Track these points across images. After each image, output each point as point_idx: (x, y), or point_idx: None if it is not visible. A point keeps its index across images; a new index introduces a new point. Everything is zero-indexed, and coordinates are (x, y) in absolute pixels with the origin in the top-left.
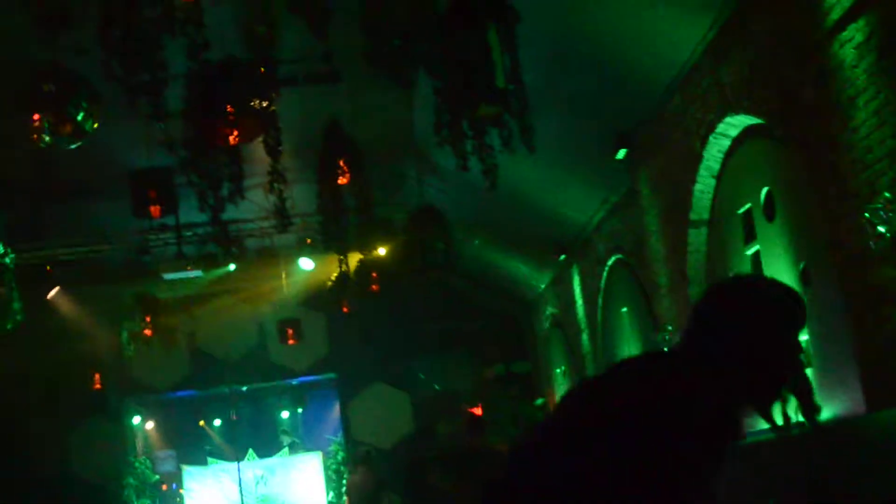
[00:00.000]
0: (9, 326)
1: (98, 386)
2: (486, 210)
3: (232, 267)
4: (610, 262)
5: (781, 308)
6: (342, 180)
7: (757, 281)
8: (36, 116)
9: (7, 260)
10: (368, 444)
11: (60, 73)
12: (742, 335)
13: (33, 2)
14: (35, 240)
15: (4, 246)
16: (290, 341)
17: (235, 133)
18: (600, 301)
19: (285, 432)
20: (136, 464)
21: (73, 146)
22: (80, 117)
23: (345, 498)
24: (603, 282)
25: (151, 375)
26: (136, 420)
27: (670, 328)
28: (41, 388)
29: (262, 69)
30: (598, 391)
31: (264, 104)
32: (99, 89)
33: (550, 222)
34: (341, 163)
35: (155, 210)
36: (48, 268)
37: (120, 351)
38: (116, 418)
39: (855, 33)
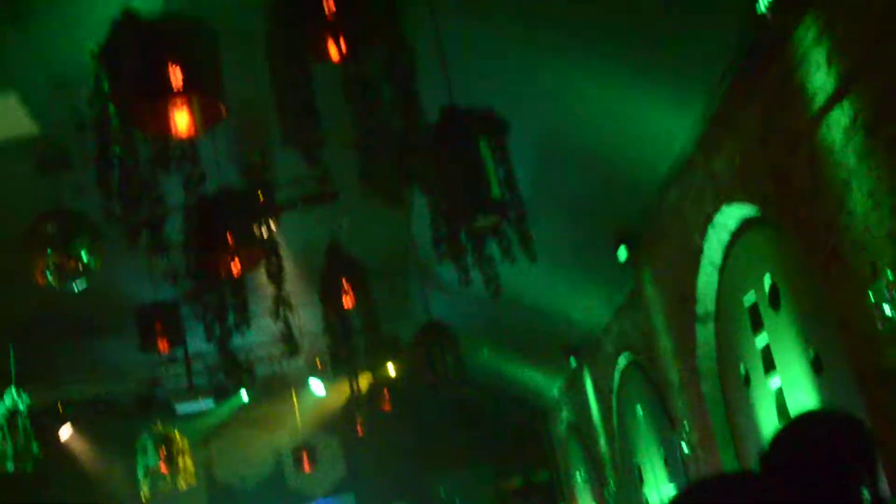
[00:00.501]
0: (28, 469)
1: None
2: (493, 319)
3: (245, 398)
4: (621, 363)
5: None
6: (346, 301)
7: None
8: (40, 257)
9: (21, 406)
10: None
11: (62, 214)
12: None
13: (35, 146)
14: (45, 379)
15: (17, 390)
16: (306, 467)
17: (237, 262)
18: (614, 402)
19: None
20: None
21: (77, 284)
22: (83, 256)
23: None
24: (615, 383)
25: None
26: None
27: (686, 424)
28: None
29: (260, 196)
30: None
31: (264, 231)
32: (100, 227)
33: (558, 326)
34: (344, 283)
35: (162, 344)
36: (60, 407)
37: (136, 489)
38: None
39: (841, 116)
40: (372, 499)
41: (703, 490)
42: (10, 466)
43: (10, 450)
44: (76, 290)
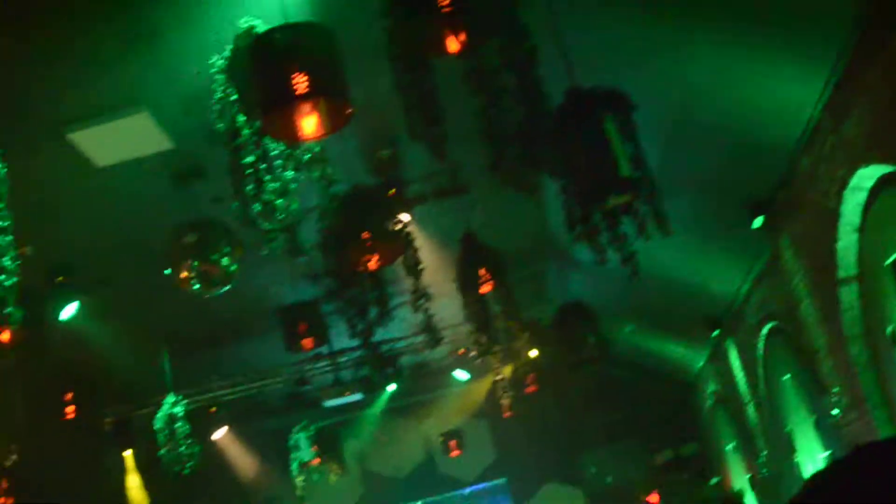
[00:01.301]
0: (189, 471)
1: None
2: (633, 296)
3: (392, 387)
4: (764, 332)
5: None
6: (485, 288)
7: None
8: (183, 267)
9: (179, 411)
10: None
11: (201, 224)
12: None
13: (169, 160)
14: (198, 384)
15: (175, 396)
16: (455, 452)
17: (375, 258)
18: (760, 371)
19: None
20: None
21: (221, 291)
22: (224, 263)
23: None
24: (760, 352)
25: (327, 502)
26: None
27: (836, 390)
28: None
29: (391, 192)
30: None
31: (398, 226)
32: (238, 233)
33: (698, 299)
34: (481, 272)
35: (307, 342)
36: (212, 409)
37: (291, 484)
38: None
39: None
40: (523, 481)
41: (871, 452)
42: (174, 469)
43: (171, 454)
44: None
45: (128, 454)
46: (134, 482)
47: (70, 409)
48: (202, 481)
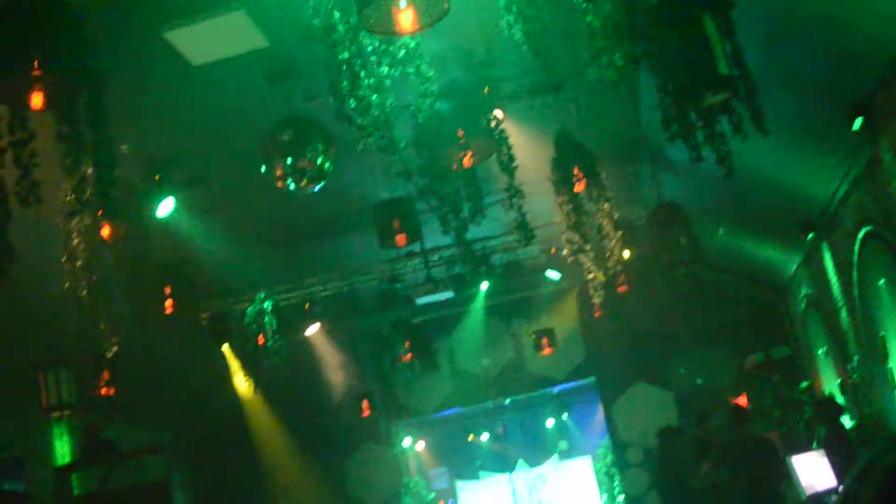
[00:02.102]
0: (278, 362)
1: (367, 413)
2: (726, 198)
3: (485, 285)
4: (860, 235)
5: None
6: (578, 187)
7: None
8: (278, 163)
9: (267, 304)
10: (636, 445)
11: (295, 121)
12: None
13: (264, 58)
14: (292, 280)
15: (265, 293)
16: (546, 350)
17: (469, 154)
18: (855, 276)
19: (560, 437)
20: (412, 484)
21: (315, 188)
22: (318, 160)
23: (621, 497)
24: (855, 256)
25: (416, 399)
26: (407, 442)
27: None
28: (317, 421)
29: (486, 89)
30: None
31: (493, 123)
32: (332, 130)
33: (793, 202)
34: (575, 170)
35: (400, 239)
36: (307, 306)
37: (384, 379)
38: (388, 443)
39: None
40: (613, 381)
41: None
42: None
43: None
44: (313, 192)
45: (225, 347)
46: (238, 373)
47: (169, 303)
48: (297, 375)
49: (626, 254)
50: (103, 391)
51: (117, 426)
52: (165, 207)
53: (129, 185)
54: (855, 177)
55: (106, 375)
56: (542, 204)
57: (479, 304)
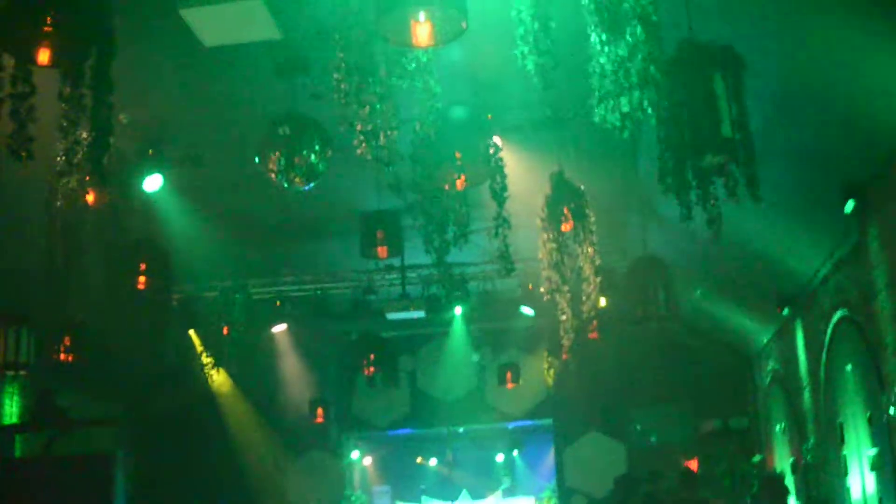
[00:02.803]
0: (231, 356)
1: (320, 420)
2: (709, 260)
3: (458, 311)
4: (835, 318)
5: None
6: (565, 227)
7: None
8: (272, 157)
9: (237, 296)
10: (582, 493)
11: (296, 117)
12: None
13: (275, 50)
14: (266, 276)
15: (237, 284)
16: (509, 385)
17: (463, 178)
18: (824, 358)
19: (505, 474)
20: (353, 498)
21: (306, 187)
22: (313, 159)
23: None
24: (827, 338)
25: (371, 413)
26: (355, 455)
27: None
28: (265, 419)
29: (490, 116)
30: None
31: (491, 150)
32: (331, 133)
33: (774, 274)
34: (566, 210)
35: (382, 251)
36: (278, 303)
37: (342, 388)
38: (336, 453)
39: None
40: (568, 426)
41: None
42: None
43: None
44: (302, 191)
45: (192, 332)
46: (200, 359)
47: (142, 279)
48: (257, 371)
49: (603, 301)
50: (62, 357)
51: (70, 394)
52: (153, 183)
53: (121, 154)
54: (839, 259)
55: (67, 341)
56: (526, 238)
57: (453, 328)
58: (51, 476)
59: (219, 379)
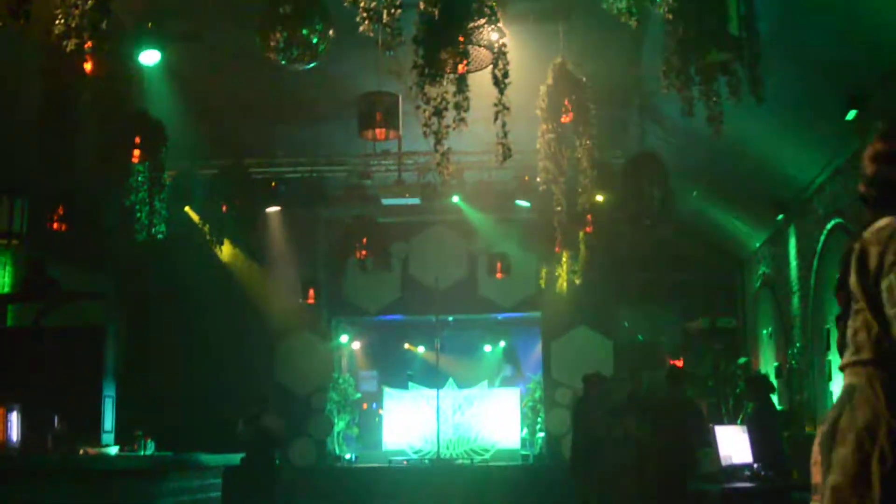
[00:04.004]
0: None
1: (311, 301)
2: (706, 162)
3: (455, 198)
4: (829, 226)
5: None
6: (565, 119)
7: None
8: (272, 34)
9: (233, 174)
10: (567, 386)
11: None
12: None
13: None
14: (265, 156)
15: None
16: (499, 275)
17: (465, 62)
18: (815, 265)
19: (506, 362)
20: (340, 380)
21: (305, 67)
22: (314, 39)
23: (541, 434)
24: (819, 245)
25: (362, 297)
26: (344, 339)
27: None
28: (256, 299)
29: (495, 2)
30: None
31: (495, 37)
32: (334, 12)
33: (771, 180)
34: (566, 102)
35: (380, 132)
36: (273, 184)
37: (334, 271)
38: (325, 336)
39: None
40: (557, 320)
41: None
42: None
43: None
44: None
45: (187, 209)
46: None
47: (136, 152)
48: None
49: (599, 198)
50: (55, 226)
51: (63, 266)
52: (151, 57)
53: (120, 23)
54: (836, 167)
55: (60, 210)
56: (524, 130)
57: (442, 216)
58: (42, 347)
59: (221, 255)
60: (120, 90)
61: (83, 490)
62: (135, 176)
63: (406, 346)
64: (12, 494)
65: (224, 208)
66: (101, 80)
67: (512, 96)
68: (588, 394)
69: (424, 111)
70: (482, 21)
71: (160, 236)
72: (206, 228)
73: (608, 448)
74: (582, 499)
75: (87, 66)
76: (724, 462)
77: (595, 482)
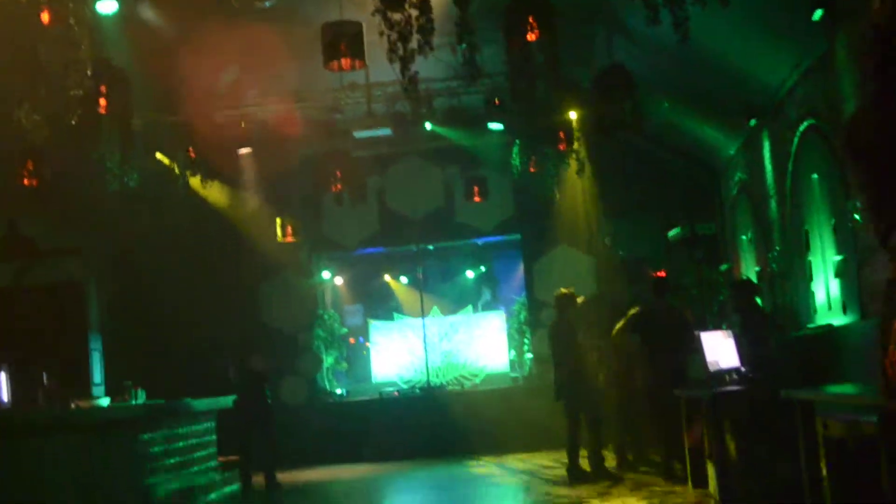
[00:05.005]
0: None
1: (290, 239)
2: (675, 72)
3: (428, 126)
4: (802, 128)
5: None
6: (531, 36)
7: None
8: None
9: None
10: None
11: None
12: None
13: None
14: (230, 97)
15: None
16: (476, 199)
17: None
18: (790, 167)
19: (485, 287)
20: (326, 317)
21: (267, 4)
22: None
23: (529, 355)
24: (794, 147)
25: (341, 232)
26: (326, 275)
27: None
28: (235, 241)
29: None
30: None
31: None
32: None
33: (741, 86)
34: (531, 19)
35: (345, 62)
36: (242, 124)
37: (310, 208)
38: (307, 273)
39: None
40: (537, 240)
41: None
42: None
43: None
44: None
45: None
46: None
47: (102, 102)
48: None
49: (573, 115)
50: (25, 181)
51: (38, 224)
52: (109, 6)
53: None
54: (806, 68)
55: (30, 165)
56: (493, 53)
57: (415, 146)
58: (23, 306)
59: (196, 198)
60: (79, 40)
61: (78, 442)
62: (102, 125)
63: (386, 278)
64: (6, 451)
65: (192, 154)
66: (61, 28)
67: (477, 20)
68: (562, 314)
69: (389, 37)
70: None
71: (132, 184)
72: (178, 170)
73: (594, 363)
74: (572, 417)
75: (45, 17)
76: (711, 368)
77: (584, 399)
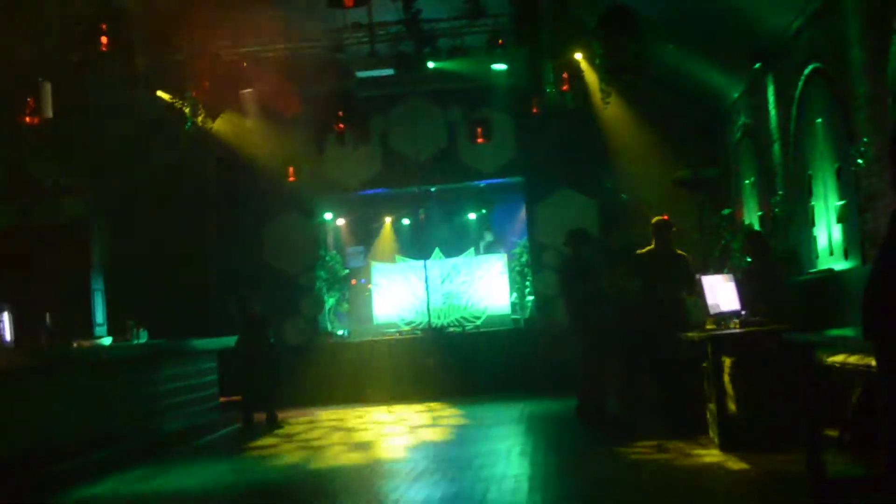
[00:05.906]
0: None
1: (292, 179)
2: (680, 14)
3: (431, 65)
4: (806, 71)
5: None
6: None
7: None
8: None
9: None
10: (553, 248)
11: None
12: None
13: None
14: (232, 37)
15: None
16: (479, 140)
17: None
18: (794, 112)
19: (486, 229)
20: (328, 258)
21: None
22: None
23: (530, 297)
24: (798, 91)
25: (343, 173)
26: (328, 217)
27: (866, 140)
28: (238, 180)
29: None
30: None
31: None
32: None
33: (746, 29)
34: None
35: (348, 1)
36: (245, 64)
37: (313, 149)
38: (309, 214)
39: None
40: (540, 183)
41: None
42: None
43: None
44: None
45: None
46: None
47: (104, 40)
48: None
49: (578, 56)
50: (27, 119)
51: (41, 165)
52: None
53: None
54: (813, 12)
55: (31, 103)
56: None
57: (418, 86)
58: (27, 245)
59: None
60: None
61: (81, 381)
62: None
63: (387, 219)
64: (9, 390)
65: (194, 93)
66: None
67: None
68: (577, 251)
69: None
70: None
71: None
72: (186, 109)
73: (602, 302)
74: (577, 356)
75: None
76: (711, 311)
77: (593, 337)
